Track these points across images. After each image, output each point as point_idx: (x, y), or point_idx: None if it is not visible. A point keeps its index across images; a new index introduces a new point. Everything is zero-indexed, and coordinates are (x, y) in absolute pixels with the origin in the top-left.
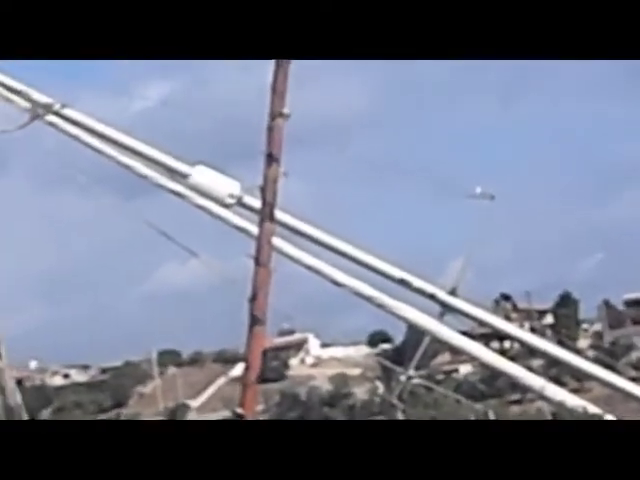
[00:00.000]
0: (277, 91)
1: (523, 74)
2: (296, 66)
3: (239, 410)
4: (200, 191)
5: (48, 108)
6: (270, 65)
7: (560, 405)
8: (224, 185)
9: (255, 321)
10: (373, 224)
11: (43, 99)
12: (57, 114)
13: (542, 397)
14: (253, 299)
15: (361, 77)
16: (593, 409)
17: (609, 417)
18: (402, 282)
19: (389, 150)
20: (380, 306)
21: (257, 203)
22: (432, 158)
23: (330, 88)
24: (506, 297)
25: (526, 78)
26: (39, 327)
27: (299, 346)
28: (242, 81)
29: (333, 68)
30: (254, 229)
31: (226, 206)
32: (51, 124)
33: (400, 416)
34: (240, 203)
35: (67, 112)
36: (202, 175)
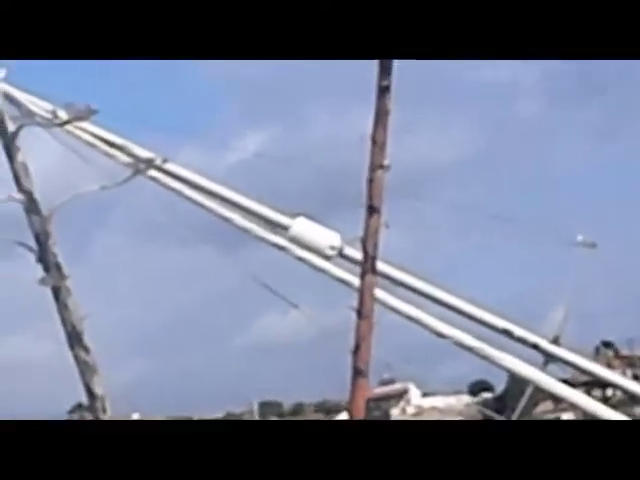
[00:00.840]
0: (377, 143)
1: (624, 111)
2: (395, 116)
3: None
4: (300, 243)
5: (150, 163)
6: (369, 115)
7: None
8: (325, 237)
9: (358, 373)
10: (474, 273)
11: (144, 154)
12: (158, 168)
13: None
14: (356, 351)
15: (457, 123)
16: None
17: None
18: (505, 332)
19: (487, 197)
20: (483, 356)
21: (358, 254)
22: (532, 204)
23: (426, 136)
24: (608, 344)
25: (627, 115)
26: (141, 379)
27: (400, 396)
28: (338, 130)
29: (428, 116)
30: (355, 281)
31: (327, 258)
32: (152, 178)
33: None
34: (341, 254)
35: (168, 166)
36: (302, 227)
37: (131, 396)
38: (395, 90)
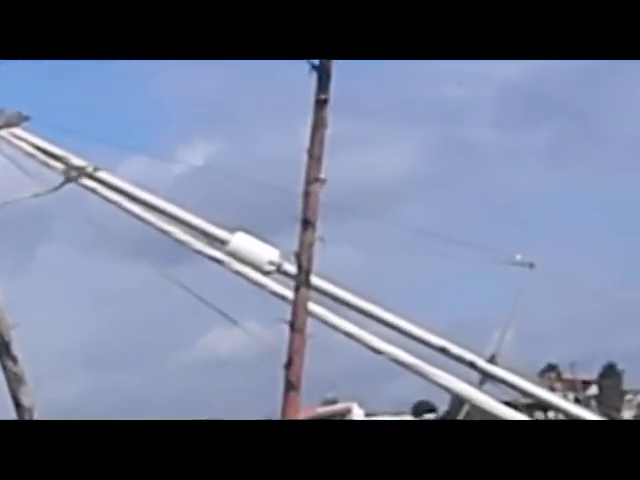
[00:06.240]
0: (313, 156)
1: (570, 139)
2: (335, 131)
3: None
4: (239, 257)
5: (81, 171)
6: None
7: None
8: (263, 252)
9: (290, 387)
10: (416, 292)
11: (77, 162)
12: (91, 177)
13: None
14: (288, 365)
15: (401, 143)
16: None
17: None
18: (442, 350)
19: (431, 217)
20: (419, 374)
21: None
22: (475, 224)
23: (370, 154)
24: (552, 367)
25: (573, 143)
26: (82, 396)
27: (343, 415)
28: (283, 144)
29: (373, 134)
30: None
31: (266, 273)
32: (91, 190)
33: None
34: (279, 270)
35: (103, 176)
36: (241, 242)
37: (73, 412)
38: (347, 105)
